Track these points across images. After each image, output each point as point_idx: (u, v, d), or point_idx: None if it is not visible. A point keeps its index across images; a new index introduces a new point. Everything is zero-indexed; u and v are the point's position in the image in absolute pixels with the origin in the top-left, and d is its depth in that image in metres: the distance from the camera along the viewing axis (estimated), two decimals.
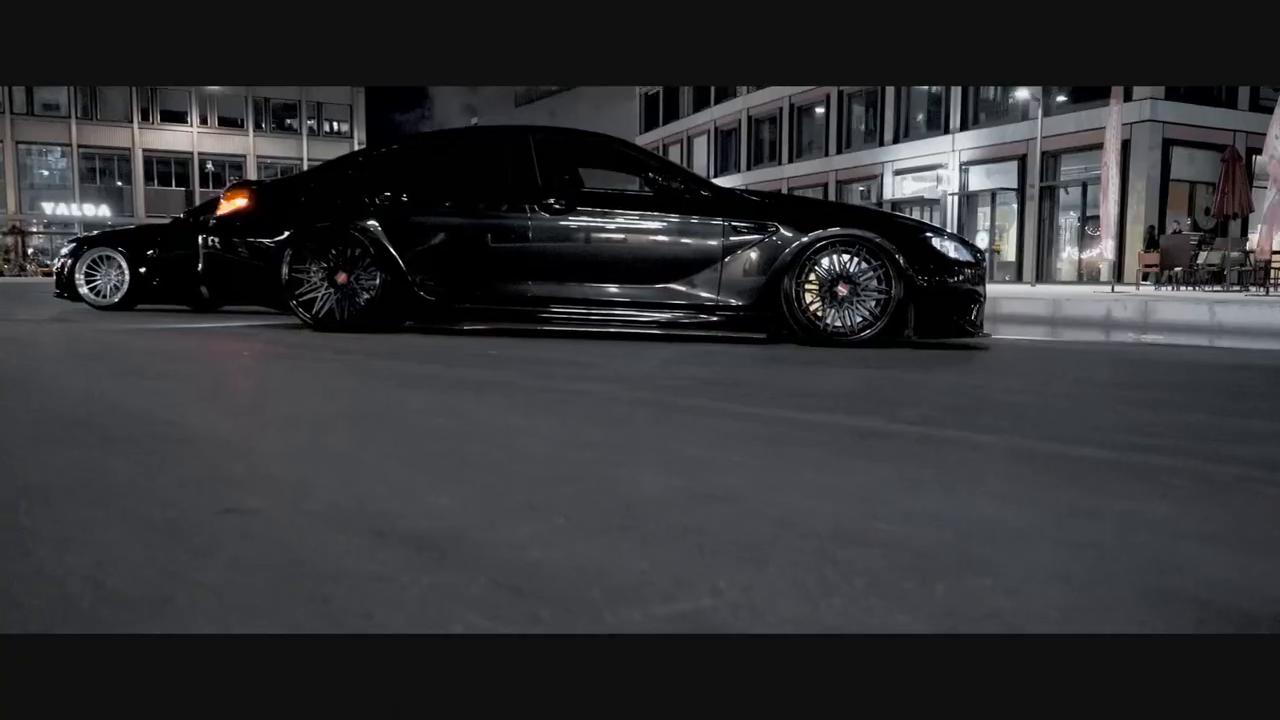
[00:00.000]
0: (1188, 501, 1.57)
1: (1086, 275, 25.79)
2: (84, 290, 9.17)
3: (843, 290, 5.18)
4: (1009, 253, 28.17)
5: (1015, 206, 27.92)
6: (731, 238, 5.29)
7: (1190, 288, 15.97)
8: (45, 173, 49.66)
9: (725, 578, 1.12)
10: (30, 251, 48.01)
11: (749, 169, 39.08)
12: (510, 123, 60.02)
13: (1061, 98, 26.08)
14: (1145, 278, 18.54)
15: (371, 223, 5.69)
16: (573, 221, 5.52)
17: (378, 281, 5.66)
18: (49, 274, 37.97)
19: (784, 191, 33.01)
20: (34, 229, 48.93)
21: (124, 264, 9.15)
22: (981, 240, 28.15)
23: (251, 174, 52.18)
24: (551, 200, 5.52)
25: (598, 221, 5.52)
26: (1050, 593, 1.10)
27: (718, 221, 5.32)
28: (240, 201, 6.09)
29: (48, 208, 48.89)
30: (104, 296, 9.16)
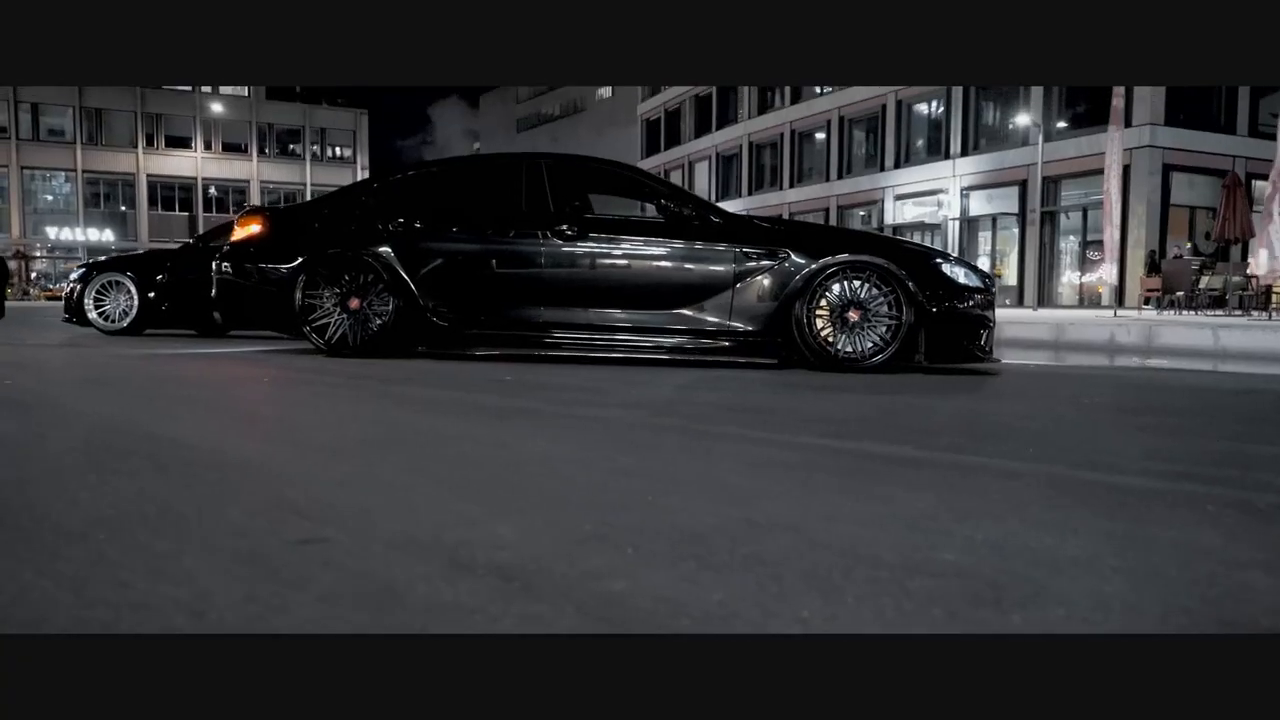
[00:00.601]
0: (1237, 529, 1.59)
1: (1087, 299, 25.87)
2: (93, 315, 9.20)
3: (854, 316, 5.21)
4: (1010, 277, 28.27)
5: (1016, 231, 28.07)
6: (744, 264, 5.33)
7: (1192, 312, 16.04)
8: (49, 197, 49.94)
9: (807, 607, 1.14)
10: (34, 276, 48.15)
11: (750, 194, 39.26)
12: (512, 147, 60.36)
13: (1062, 124, 26.29)
14: (1147, 302, 18.61)
15: (384, 249, 5.73)
16: (585, 247, 5.55)
17: (390, 307, 5.70)
18: (53, 298, 38.00)
19: (785, 216, 33.18)
20: (38, 253, 49.10)
21: (133, 289, 9.19)
22: (983, 265, 28.25)
23: (255, 199, 52.39)
24: (564, 226, 5.56)
25: (609, 247, 5.55)
26: (1129, 623, 1.12)
27: (729, 248, 5.36)
28: (254, 228, 6.12)
29: (51, 232, 49.12)
30: (113, 321, 9.19)
